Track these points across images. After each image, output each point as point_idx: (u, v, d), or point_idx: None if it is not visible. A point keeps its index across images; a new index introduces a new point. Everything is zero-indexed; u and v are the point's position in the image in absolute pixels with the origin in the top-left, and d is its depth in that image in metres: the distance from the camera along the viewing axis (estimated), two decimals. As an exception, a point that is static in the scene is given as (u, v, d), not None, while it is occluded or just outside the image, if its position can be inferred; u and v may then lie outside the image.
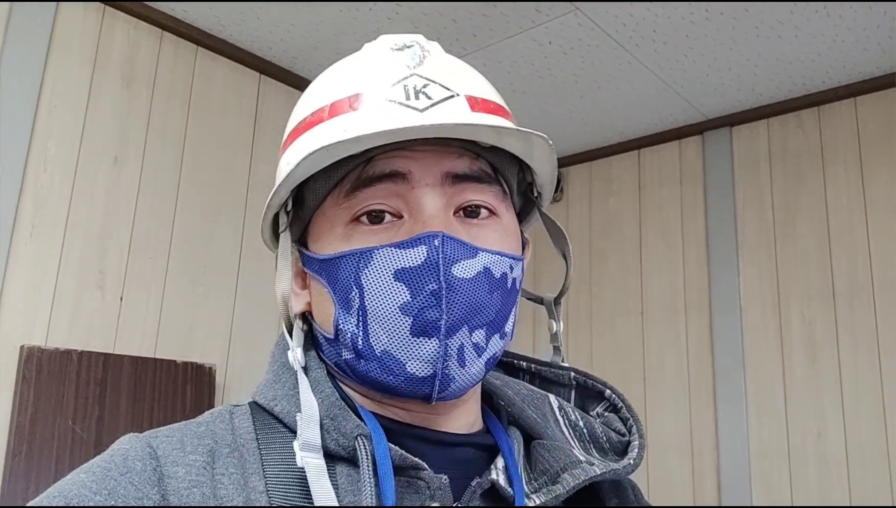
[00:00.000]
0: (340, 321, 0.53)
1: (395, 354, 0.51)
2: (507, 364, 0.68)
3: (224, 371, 1.92)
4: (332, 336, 0.55)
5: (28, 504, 0.48)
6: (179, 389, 1.77)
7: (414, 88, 0.53)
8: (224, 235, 1.98)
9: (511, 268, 0.55)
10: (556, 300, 0.66)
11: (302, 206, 0.57)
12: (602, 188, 2.67)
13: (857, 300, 2.06)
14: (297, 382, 0.55)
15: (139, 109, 1.85)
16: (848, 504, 1.96)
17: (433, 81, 0.54)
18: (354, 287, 0.52)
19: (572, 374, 0.65)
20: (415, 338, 0.50)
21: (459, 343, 0.51)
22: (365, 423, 0.52)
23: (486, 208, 0.55)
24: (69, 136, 1.71)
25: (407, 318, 0.50)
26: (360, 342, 0.52)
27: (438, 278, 0.50)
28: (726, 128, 2.39)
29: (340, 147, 0.50)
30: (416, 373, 0.51)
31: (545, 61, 2.06)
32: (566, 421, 0.61)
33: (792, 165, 2.27)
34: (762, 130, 2.34)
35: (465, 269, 0.51)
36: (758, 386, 2.19)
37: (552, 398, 0.63)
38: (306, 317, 0.59)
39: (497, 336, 0.54)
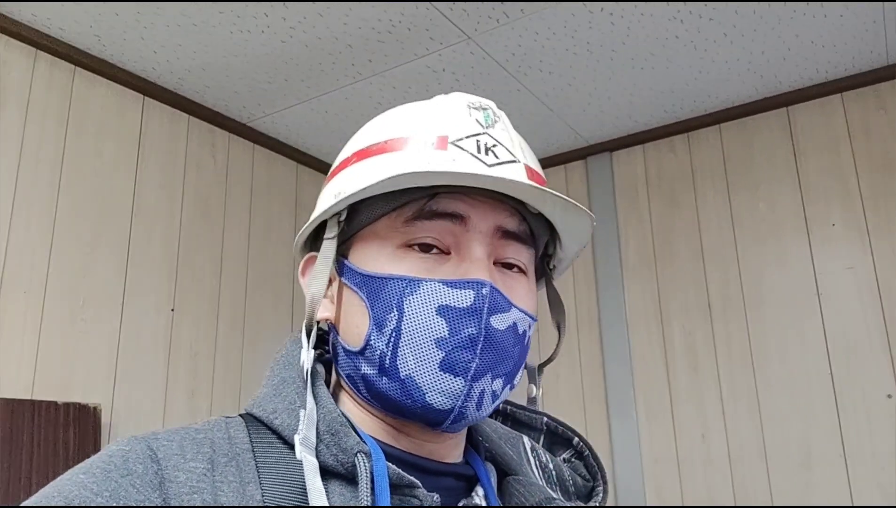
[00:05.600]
0: (373, 338, 0.55)
1: (418, 381, 0.54)
2: None
3: (109, 410, 1.79)
4: (357, 349, 0.57)
5: (24, 504, 0.46)
6: (61, 431, 1.63)
7: (485, 144, 0.58)
8: (106, 265, 1.87)
9: (529, 327, 0.60)
10: (540, 367, 0.69)
11: (350, 219, 0.60)
12: (493, 212, 2.74)
13: (730, 312, 2.23)
14: (297, 396, 0.56)
15: (10, 132, 1.72)
16: (733, 504, 2.10)
17: (500, 144, 0.59)
18: (395, 310, 0.55)
19: (545, 419, 0.70)
20: (442, 373, 0.53)
21: (482, 388, 0.54)
22: (364, 441, 0.54)
23: (519, 266, 0.60)
24: (-71, 160, 1.57)
25: (440, 352, 0.53)
26: (388, 362, 0.54)
27: (480, 325, 0.54)
28: (607, 153, 2.54)
29: (431, 176, 0.54)
30: (434, 404, 0.54)
31: (439, 87, 2.11)
32: (537, 462, 0.65)
33: (667, 187, 2.43)
34: (639, 155, 2.50)
35: (501, 321, 0.55)
36: (646, 396, 2.30)
37: (525, 439, 0.67)
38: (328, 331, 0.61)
39: (509, 387, 0.58)
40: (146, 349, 1.92)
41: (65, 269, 1.77)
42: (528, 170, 0.60)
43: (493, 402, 0.56)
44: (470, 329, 0.53)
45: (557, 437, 0.69)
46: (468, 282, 0.54)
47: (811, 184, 2.19)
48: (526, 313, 0.58)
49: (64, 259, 1.78)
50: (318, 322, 0.59)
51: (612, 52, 1.99)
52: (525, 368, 0.68)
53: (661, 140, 2.46)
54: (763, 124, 2.30)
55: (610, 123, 2.39)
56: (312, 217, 0.61)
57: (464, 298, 0.54)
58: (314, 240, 0.63)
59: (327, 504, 0.50)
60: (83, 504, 0.46)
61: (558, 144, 2.52)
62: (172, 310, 2.00)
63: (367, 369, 0.56)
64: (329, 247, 0.59)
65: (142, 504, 0.48)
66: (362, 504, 0.50)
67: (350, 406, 0.59)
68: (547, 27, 1.86)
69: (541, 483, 0.63)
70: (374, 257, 0.57)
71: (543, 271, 0.68)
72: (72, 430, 1.66)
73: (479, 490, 0.59)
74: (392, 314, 0.54)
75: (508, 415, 0.71)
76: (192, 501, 0.49)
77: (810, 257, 2.14)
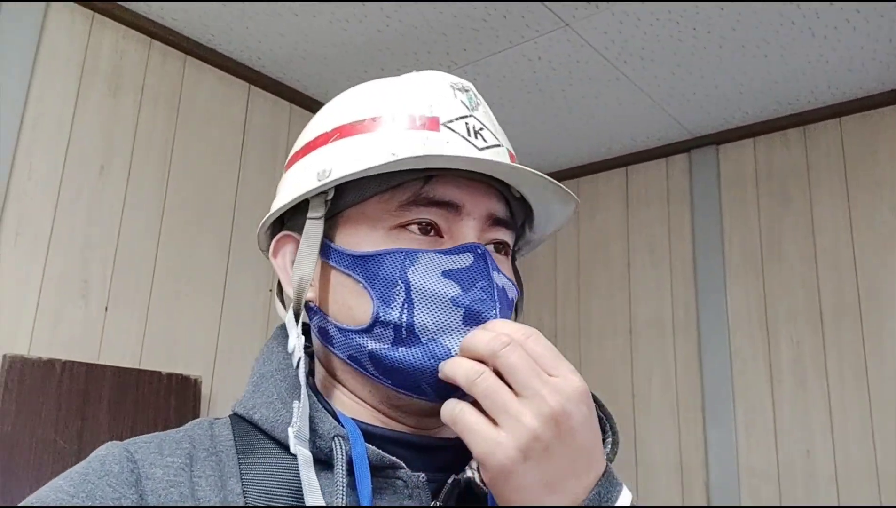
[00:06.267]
0: (380, 313, 0.54)
1: (444, 342, 0.53)
2: None
3: (209, 383, 1.89)
4: (361, 328, 0.55)
5: None
6: (163, 400, 1.74)
7: (473, 127, 0.59)
8: (210, 246, 1.97)
9: (515, 296, 0.60)
10: None
11: (335, 199, 0.58)
12: (589, 205, 2.68)
13: (844, 320, 2.07)
14: (273, 390, 0.57)
15: (126, 118, 1.84)
16: (835, 523, 1.96)
17: (486, 127, 0.60)
18: (400, 282, 0.54)
19: None
20: (468, 327, 0.53)
21: None
22: (342, 425, 0.54)
23: (504, 248, 0.61)
24: (55, 144, 1.70)
25: (459, 309, 0.53)
26: (405, 332, 0.53)
27: (489, 276, 0.54)
28: (713, 146, 2.41)
29: (432, 160, 0.54)
30: None
31: (534, 77, 2.08)
32: None
33: (778, 184, 2.28)
34: (748, 148, 2.36)
35: (500, 279, 0.56)
36: (746, 405, 2.18)
37: None
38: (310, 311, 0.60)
39: None
40: (245, 326, 2.01)
41: (172, 249, 1.88)
42: (510, 154, 0.61)
43: None
44: (481, 282, 0.54)
45: None
46: (463, 247, 0.55)
47: (944, 184, 1.99)
48: (513, 283, 0.59)
49: (172, 240, 1.88)
50: (303, 305, 0.58)
51: (721, 38, 1.88)
52: None
53: (774, 133, 2.31)
54: (889, 119, 2.11)
55: (717, 114, 2.27)
56: (293, 194, 0.58)
57: (464, 260, 0.55)
58: (283, 218, 0.62)
59: (321, 498, 0.49)
60: (60, 505, 0.47)
61: (659, 135, 2.42)
62: (270, 290, 2.08)
63: (374, 344, 0.54)
64: (315, 227, 0.57)
65: (118, 501, 0.48)
66: (336, 490, 0.49)
67: (336, 393, 0.58)
68: (649, 12, 1.79)
69: None
70: (364, 238, 0.56)
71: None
72: (173, 399, 1.76)
73: (474, 463, 0.56)
74: (398, 288, 0.54)
75: None
76: (168, 495, 0.50)
77: (939, 263, 1.95)
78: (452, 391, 0.51)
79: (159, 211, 1.88)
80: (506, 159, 0.58)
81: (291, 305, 0.57)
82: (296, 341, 0.56)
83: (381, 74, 2.13)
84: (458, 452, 0.57)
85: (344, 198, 0.57)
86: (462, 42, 1.93)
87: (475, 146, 0.57)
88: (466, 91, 0.60)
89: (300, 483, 0.50)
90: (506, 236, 0.59)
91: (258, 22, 1.87)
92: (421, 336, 0.53)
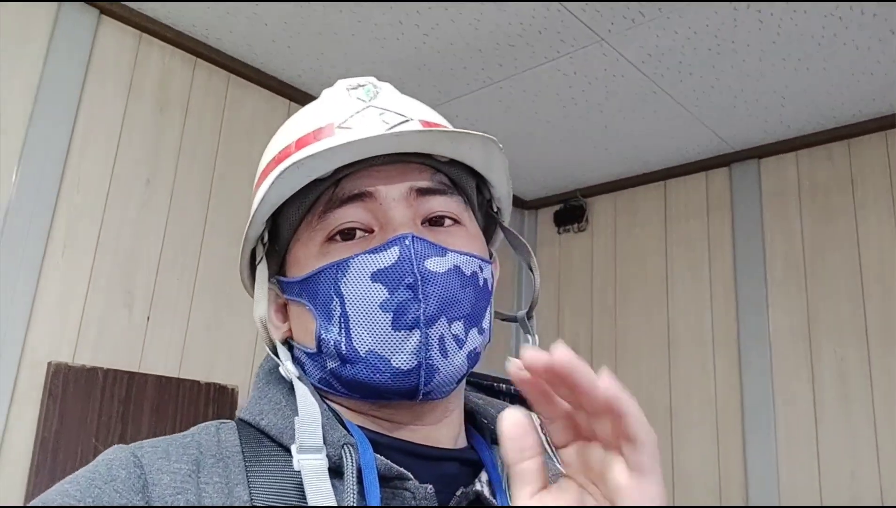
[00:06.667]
0: (322, 332, 0.55)
1: (379, 351, 0.53)
2: (488, 388, 0.69)
3: (246, 393, 1.92)
4: (314, 350, 0.57)
5: None
6: (202, 409, 1.78)
7: (372, 117, 0.58)
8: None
9: (480, 268, 0.58)
10: (528, 315, 0.67)
11: (277, 239, 0.60)
12: (627, 219, 2.66)
13: (889, 336, 2.01)
14: (282, 397, 0.57)
15: (172, 133, 1.90)
16: (882, 548, 1.89)
17: (388, 110, 0.59)
18: (335, 297, 0.54)
19: None
20: (397, 332, 0.53)
21: (440, 334, 0.53)
22: (351, 434, 0.54)
23: (449, 217, 0.59)
24: (103, 158, 1.76)
25: (387, 314, 0.53)
26: (344, 347, 0.54)
27: (413, 271, 0.53)
28: (754, 160, 2.38)
29: (308, 162, 0.54)
30: (402, 366, 0.53)
31: (570, 91, 2.08)
32: (548, 440, 0.61)
33: (821, 198, 2.24)
34: (791, 162, 2.32)
35: (437, 264, 0.54)
36: (788, 423, 2.13)
37: (534, 416, 0.63)
38: (289, 345, 0.61)
39: (475, 331, 0.56)
40: (281, 338, 2.04)
41: (213, 261, 1.93)
42: (425, 123, 0.59)
43: (461, 348, 0.54)
44: (407, 279, 0.53)
45: None
46: (390, 241, 0.54)
47: None
48: (470, 255, 0.57)
49: (213, 252, 1.93)
50: (283, 342, 0.60)
51: (762, 51, 1.86)
52: (515, 321, 0.66)
53: (817, 147, 2.27)
54: (938, 131, 2.06)
55: (758, 127, 2.24)
56: (241, 247, 0.61)
57: (390, 256, 0.53)
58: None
59: (326, 505, 0.48)
60: None
61: (699, 149, 2.40)
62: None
63: (330, 363, 0.55)
64: (262, 271, 0.59)
65: (124, 506, 0.48)
66: (347, 498, 0.49)
67: (336, 406, 0.58)
68: (687, 26, 1.78)
69: (553, 460, 0.59)
70: (303, 262, 0.57)
71: (493, 217, 0.66)
72: (211, 408, 1.80)
73: (483, 476, 0.56)
74: (335, 303, 0.54)
75: (515, 396, 0.68)
76: (175, 502, 0.49)
77: None
78: (414, 383, 0.52)
79: (202, 225, 1.92)
80: (418, 127, 0.58)
81: (266, 343, 0.60)
82: (290, 369, 0.57)
83: (417, 92, 2.16)
84: (462, 464, 0.58)
85: (282, 234, 0.59)
86: (497, 58, 1.94)
87: (377, 132, 0.56)
88: (362, 86, 0.61)
89: None
90: (441, 204, 0.58)
91: (299, 41, 1.92)
92: (359, 349, 0.53)
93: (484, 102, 2.16)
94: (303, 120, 0.61)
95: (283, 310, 0.61)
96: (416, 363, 0.52)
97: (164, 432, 1.69)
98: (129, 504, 0.49)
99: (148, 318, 1.78)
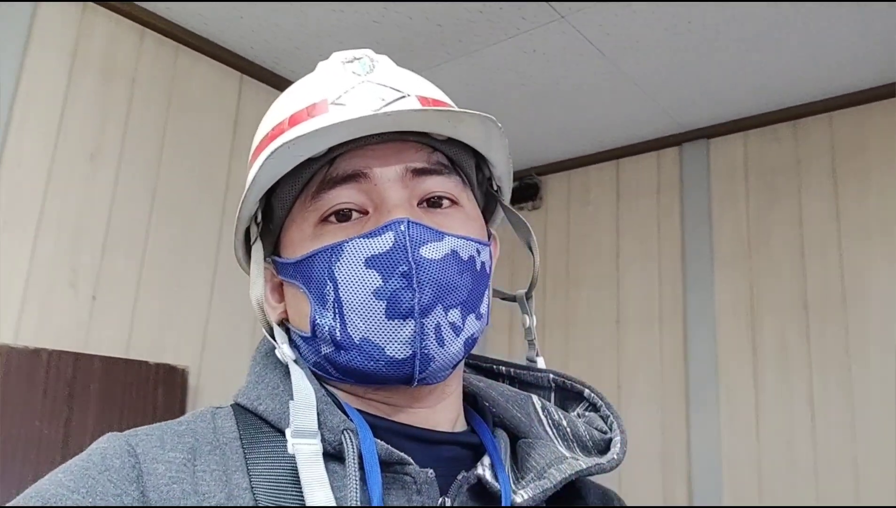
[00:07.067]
0: (317, 317, 0.54)
1: (373, 339, 0.52)
2: (487, 370, 0.69)
3: (197, 374, 1.89)
4: (309, 334, 0.56)
5: (6, 505, 0.48)
6: (150, 390, 1.73)
7: (367, 92, 0.56)
8: (201, 236, 1.96)
9: (478, 252, 0.56)
10: (528, 295, 0.66)
11: (271, 218, 0.59)
12: (580, 197, 2.69)
13: (828, 313, 2.10)
14: (279, 381, 0.56)
15: (118, 106, 1.82)
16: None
17: (384, 85, 0.57)
18: (329, 282, 0.53)
19: (551, 376, 0.66)
20: (391, 321, 0.52)
21: (436, 323, 0.52)
22: (350, 419, 0.53)
23: (447, 198, 0.57)
24: (45, 131, 1.68)
25: (381, 302, 0.52)
26: (339, 333, 0.53)
27: (408, 260, 0.52)
28: (704, 140, 2.42)
29: (301, 142, 0.52)
30: (396, 355, 0.52)
31: (528, 69, 2.07)
32: (549, 421, 0.62)
33: (767, 178, 2.30)
34: (739, 142, 2.38)
35: (433, 250, 0.53)
36: (730, 396, 2.21)
37: (535, 398, 0.64)
38: (285, 326, 0.60)
39: (473, 317, 0.55)
40: (234, 318, 2.00)
41: (162, 237, 1.87)
42: (422, 99, 0.57)
43: (458, 335, 0.54)
44: (401, 267, 0.51)
45: (567, 392, 0.66)
46: (385, 226, 0.52)
47: (930, 180, 2.01)
48: (467, 239, 0.55)
49: (162, 228, 1.87)
50: (278, 323, 0.59)
51: (716, 32, 1.88)
52: (514, 301, 0.66)
53: (764, 128, 2.33)
54: (879, 114, 2.13)
55: (709, 108, 2.28)
56: (234, 226, 0.60)
57: (385, 242, 0.52)
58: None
59: (320, 491, 0.48)
60: (60, 503, 0.46)
61: (652, 129, 2.43)
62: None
63: (325, 349, 0.55)
64: (257, 251, 0.58)
65: (118, 498, 0.47)
66: (350, 483, 0.48)
67: (332, 388, 0.57)
68: (645, 5, 1.79)
69: (555, 442, 0.60)
70: (297, 243, 0.56)
71: (493, 195, 0.65)
72: (160, 389, 1.76)
73: (485, 460, 0.56)
74: (328, 287, 0.53)
75: (515, 378, 0.68)
76: (171, 492, 0.48)
77: (924, 259, 1.98)
78: (408, 371, 0.52)
79: (150, 200, 1.86)
80: (414, 105, 0.56)
81: (262, 325, 0.59)
82: (286, 352, 0.56)
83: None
84: (463, 447, 0.57)
85: (275, 213, 0.58)
86: (457, 33, 1.92)
87: (372, 110, 0.55)
88: (358, 59, 0.59)
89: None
90: (438, 184, 0.56)
91: (252, 11, 1.85)
92: (353, 336, 0.52)
93: (442, 77, 2.13)
94: (296, 95, 0.59)
95: (279, 290, 0.60)
96: (410, 352, 0.52)
97: (111, 415, 1.65)
98: (124, 494, 0.48)
99: (94, 297, 1.72)
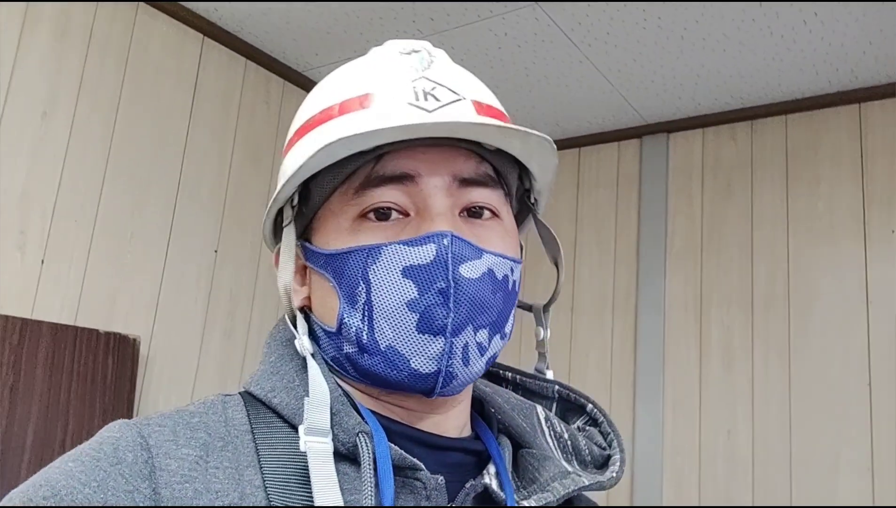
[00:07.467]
0: (345, 315, 0.54)
1: (399, 349, 0.52)
2: (493, 374, 0.69)
3: (148, 343, 1.84)
4: (333, 330, 0.55)
5: (12, 492, 0.46)
6: (101, 359, 1.69)
7: (423, 90, 0.55)
8: (155, 203, 1.90)
9: (512, 270, 0.56)
10: (545, 308, 0.67)
11: (306, 201, 0.57)
12: (541, 183, 2.70)
13: (772, 310, 2.17)
14: (295, 374, 0.55)
15: (72, 64, 1.74)
16: (752, 504, 2.08)
17: (441, 85, 0.56)
18: (361, 282, 0.53)
19: (556, 387, 0.67)
20: (421, 335, 0.51)
21: (464, 342, 0.52)
22: (365, 421, 0.53)
23: (489, 209, 0.56)
24: (-7, 84, 1.59)
25: (414, 315, 0.51)
26: (365, 337, 0.52)
27: (447, 277, 0.51)
28: (664, 134, 2.46)
29: (356, 141, 0.51)
30: (420, 369, 0.52)
31: (498, 53, 2.07)
32: (552, 433, 0.63)
33: (723, 175, 2.36)
34: (698, 138, 2.43)
35: (472, 269, 0.52)
36: (675, 386, 2.28)
37: (539, 409, 0.65)
38: (306, 313, 0.59)
39: (498, 337, 0.56)
40: (188, 287, 1.96)
41: (116, 203, 1.81)
42: (477, 105, 0.56)
43: (482, 355, 0.54)
44: (439, 284, 0.51)
45: (570, 404, 0.67)
46: (427, 236, 0.51)
47: (875, 187, 2.10)
48: (504, 257, 0.55)
49: (116, 193, 1.81)
50: (297, 310, 0.58)
51: (684, 29, 1.91)
52: (531, 311, 0.67)
53: (723, 126, 2.38)
54: (832, 120, 2.20)
55: (671, 103, 2.32)
56: (268, 205, 0.58)
57: (426, 254, 0.51)
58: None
59: (330, 491, 0.48)
60: (70, 495, 0.45)
61: (614, 120, 2.46)
62: (216, 252, 2.03)
63: (348, 348, 0.54)
64: (289, 234, 0.57)
65: (130, 495, 0.46)
66: (365, 487, 0.48)
67: (347, 386, 0.57)
68: None
69: (556, 454, 0.61)
70: (333, 235, 0.55)
71: (528, 207, 0.65)
72: (111, 359, 1.71)
73: (491, 468, 0.57)
74: (360, 288, 0.52)
75: (519, 385, 0.68)
76: (183, 490, 0.48)
77: (864, 262, 2.07)
78: (430, 385, 0.51)
79: (103, 163, 1.79)
80: (468, 112, 0.55)
81: (286, 312, 0.57)
82: (304, 343, 0.55)
83: (342, 35, 2.08)
84: (467, 453, 0.58)
85: (312, 198, 0.57)
86: (429, 11, 1.90)
87: (425, 109, 0.54)
88: (417, 52, 0.58)
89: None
90: (483, 195, 0.56)
91: (218, -29, 1.79)
92: (380, 342, 0.52)
93: (410, 55, 2.11)
94: (348, 80, 0.58)
95: (303, 272, 0.59)
96: (435, 368, 0.51)
97: (59, 383, 1.60)
98: (135, 491, 0.47)
99: (42, 261, 1.66)
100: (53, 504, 0.44)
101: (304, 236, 0.59)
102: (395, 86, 0.55)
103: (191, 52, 2.01)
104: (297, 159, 0.55)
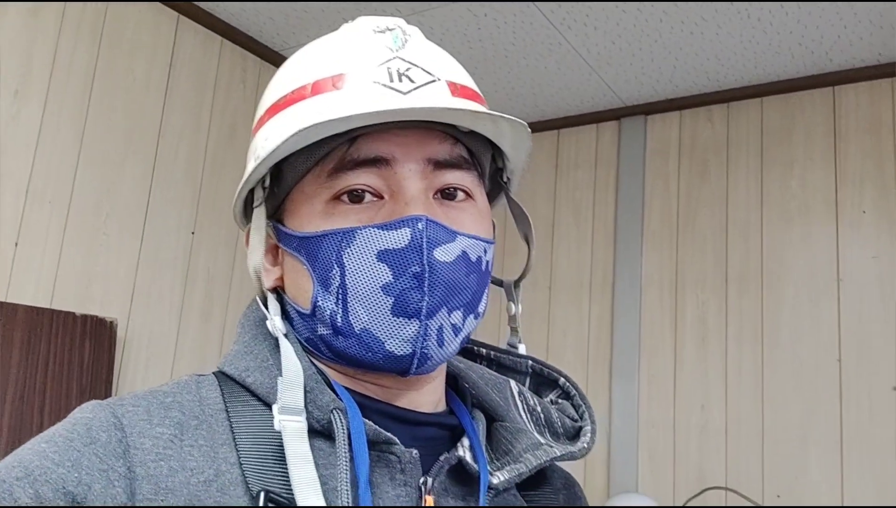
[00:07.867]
0: (319, 298, 0.54)
1: (374, 332, 0.52)
2: (467, 350, 0.70)
3: (125, 326, 1.83)
4: (307, 312, 0.55)
5: None
6: (77, 342, 1.67)
7: (397, 70, 0.54)
8: (131, 183, 1.87)
9: (485, 251, 0.57)
10: (517, 283, 0.68)
11: (278, 182, 0.57)
12: (519, 164, 2.71)
13: (745, 289, 2.22)
14: (269, 354, 0.55)
15: (45, 40, 1.70)
16: (724, 475, 2.13)
17: (415, 65, 0.55)
18: (336, 266, 0.53)
19: (529, 362, 0.68)
20: (395, 318, 0.52)
21: (439, 324, 0.53)
22: (339, 397, 0.53)
23: (463, 191, 0.57)
24: (-38, 62, 1.56)
25: (389, 298, 0.52)
26: (340, 320, 0.53)
27: (422, 261, 0.51)
28: (642, 116, 2.48)
29: (329, 126, 0.51)
30: (395, 351, 0.52)
31: (478, 32, 2.06)
32: (525, 406, 0.64)
33: (699, 156, 2.39)
34: (675, 121, 2.45)
35: (446, 253, 0.53)
36: (651, 361, 2.32)
37: (513, 383, 0.66)
38: (278, 293, 0.59)
39: (472, 317, 0.56)
40: (165, 268, 1.94)
41: (90, 183, 1.78)
42: (452, 86, 0.56)
43: (456, 336, 0.54)
44: (414, 268, 0.51)
45: (543, 379, 0.68)
46: (402, 221, 0.52)
47: (847, 168, 2.14)
48: (477, 239, 0.55)
49: (90, 174, 1.78)
50: (269, 290, 0.58)
51: (663, 12, 1.92)
52: (502, 286, 0.68)
53: (700, 108, 2.40)
54: (806, 102, 2.23)
55: (649, 85, 2.33)
56: (240, 185, 0.58)
57: (401, 238, 0.51)
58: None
59: (304, 467, 0.48)
60: (44, 475, 0.45)
61: (593, 102, 2.47)
62: (193, 233, 2.02)
63: (322, 330, 0.55)
64: (259, 215, 0.57)
65: (105, 473, 0.47)
66: (340, 462, 0.49)
67: (321, 365, 0.57)
68: (597, -19, 1.80)
69: (528, 427, 0.62)
70: (306, 217, 0.55)
71: (500, 185, 0.65)
72: (88, 342, 1.70)
73: (465, 441, 0.58)
74: (335, 271, 0.53)
75: (493, 360, 0.69)
76: (158, 468, 0.48)
77: (836, 241, 2.11)
78: (405, 366, 0.52)
79: (77, 142, 1.76)
80: (442, 94, 0.55)
81: (257, 292, 0.58)
82: (276, 324, 0.55)
83: (319, 14, 2.06)
84: (441, 428, 0.59)
85: (284, 179, 0.56)
86: (409, -9, 1.88)
87: (399, 91, 0.53)
88: (391, 30, 0.57)
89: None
90: (456, 177, 0.56)
91: (193, -53, 1.76)
92: (354, 325, 0.52)
93: (389, 34, 2.09)
94: (320, 58, 0.57)
95: (274, 252, 0.59)
96: (410, 350, 0.52)
97: (36, 365, 1.59)
98: (110, 470, 0.47)
99: (16, 244, 1.63)
100: (27, 485, 0.45)
101: (275, 216, 0.58)
102: (369, 66, 0.54)
103: (166, 31, 1.97)
104: (270, 141, 0.54)
